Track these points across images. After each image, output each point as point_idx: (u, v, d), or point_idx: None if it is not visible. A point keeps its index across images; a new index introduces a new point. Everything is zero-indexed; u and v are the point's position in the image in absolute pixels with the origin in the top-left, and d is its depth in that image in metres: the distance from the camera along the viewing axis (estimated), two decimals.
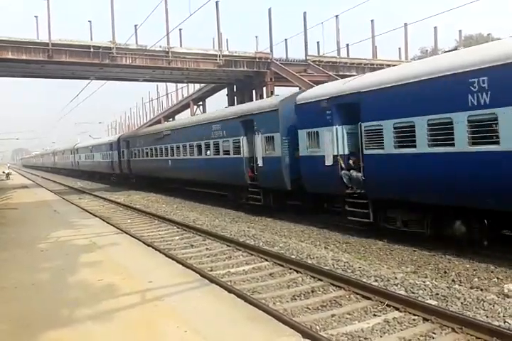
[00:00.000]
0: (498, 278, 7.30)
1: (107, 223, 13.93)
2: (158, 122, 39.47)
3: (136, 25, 24.15)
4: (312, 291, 7.03)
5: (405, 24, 30.01)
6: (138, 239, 11.18)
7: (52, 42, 21.72)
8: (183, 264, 8.36)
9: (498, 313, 5.75)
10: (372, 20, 30.08)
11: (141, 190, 27.61)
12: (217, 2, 24.76)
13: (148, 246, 10.31)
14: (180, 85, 38.73)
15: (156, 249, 9.93)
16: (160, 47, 23.68)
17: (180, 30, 26.29)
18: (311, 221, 13.10)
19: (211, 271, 8.47)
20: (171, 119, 38.99)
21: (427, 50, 48.56)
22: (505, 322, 5.50)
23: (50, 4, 22.34)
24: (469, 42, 38.41)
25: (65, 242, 10.36)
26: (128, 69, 25.13)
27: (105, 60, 22.84)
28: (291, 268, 8.29)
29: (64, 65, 23.49)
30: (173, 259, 8.81)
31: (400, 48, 32.12)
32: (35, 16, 22.70)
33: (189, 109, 38.00)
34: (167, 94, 43.56)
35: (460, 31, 34.66)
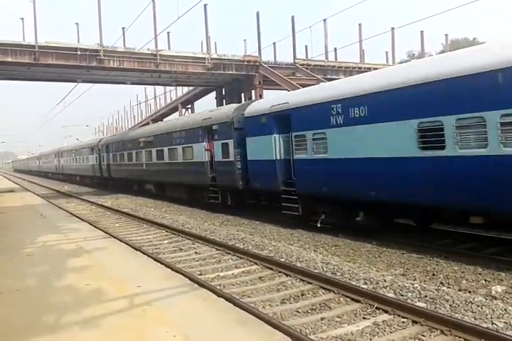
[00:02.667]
0: (485, 280, 7.35)
1: (95, 227, 13.79)
2: (147, 124, 39.23)
3: (123, 28, 24.09)
4: (302, 294, 7.02)
5: (392, 28, 30.32)
6: (126, 244, 11.08)
7: (39, 44, 21.54)
8: (171, 268, 8.30)
9: (486, 315, 5.79)
10: (359, 24, 30.37)
11: (129, 193, 27.43)
12: (205, 5, 24.79)
13: (137, 250, 10.22)
14: (168, 88, 38.64)
15: (144, 253, 9.85)
16: (148, 50, 23.63)
17: (168, 33, 26.32)
18: (300, 224, 13.10)
19: (200, 275, 8.41)
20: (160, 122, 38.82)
21: (413, 54, 49.00)
22: (492, 323, 5.53)
23: (37, 6, 22.21)
24: (455, 47, 38.83)
25: (52, 247, 10.23)
26: (115, 72, 25.01)
27: (92, 62, 22.69)
28: (280, 272, 8.28)
29: (50, 68, 23.29)
30: (161, 263, 8.74)
31: (387, 52, 32.45)
32: (21, 18, 22.54)
33: (177, 112, 37.90)
34: (155, 97, 43.43)
35: (446, 35, 35.08)
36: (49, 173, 60.42)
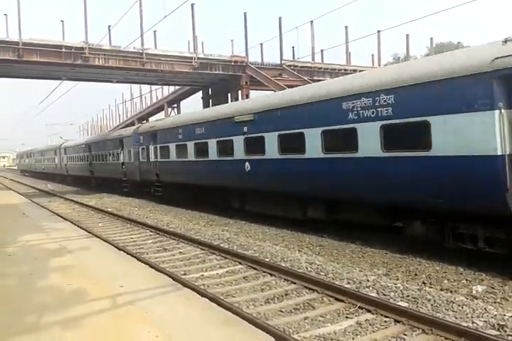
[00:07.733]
0: (466, 280, 7.46)
1: (78, 227, 13.65)
2: (132, 124, 38.99)
3: (109, 26, 23.88)
4: (286, 294, 7.04)
5: (378, 31, 30.62)
6: (109, 243, 10.99)
7: (23, 41, 21.21)
8: (155, 268, 8.25)
9: (467, 314, 5.87)
10: (346, 27, 30.54)
11: (113, 193, 27.19)
12: (192, 5, 24.71)
13: (120, 250, 10.14)
14: (154, 87, 38.39)
15: (128, 253, 9.78)
16: (134, 48, 23.44)
17: (154, 31, 26.16)
18: (285, 224, 13.12)
19: (184, 274, 8.37)
20: (144, 121, 38.58)
21: (399, 57, 49.42)
22: (473, 322, 5.61)
23: (21, 2, 21.86)
24: (440, 50, 39.24)
25: (34, 246, 10.09)
26: (101, 70, 24.76)
27: (77, 60, 22.43)
28: (264, 272, 8.28)
29: (34, 65, 22.97)
30: (145, 263, 8.69)
31: (373, 55, 32.69)
32: (5, 14, 22.18)
33: (163, 111, 37.69)
34: (141, 96, 43.11)
35: (431, 39, 35.52)
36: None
